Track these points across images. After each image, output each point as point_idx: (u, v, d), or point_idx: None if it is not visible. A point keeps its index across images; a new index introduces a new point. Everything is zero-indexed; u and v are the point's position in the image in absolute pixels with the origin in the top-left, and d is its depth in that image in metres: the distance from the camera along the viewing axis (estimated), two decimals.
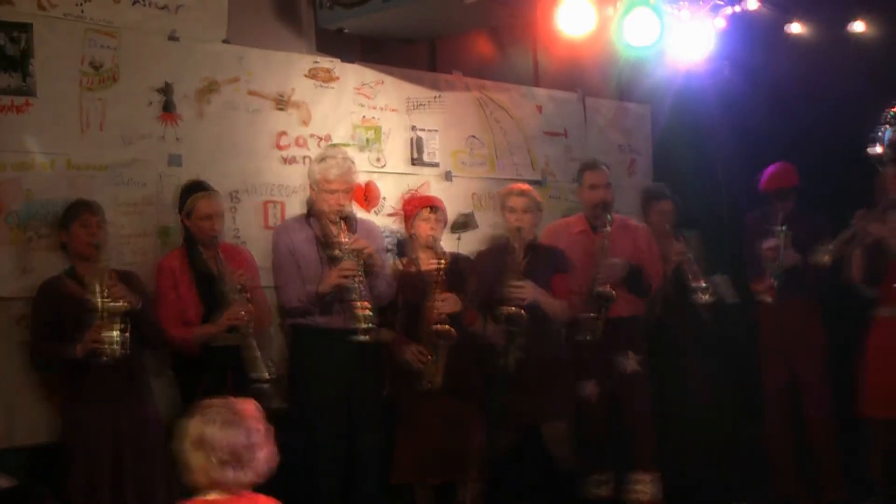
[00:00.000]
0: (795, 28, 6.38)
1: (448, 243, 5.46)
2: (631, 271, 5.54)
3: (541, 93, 6.68)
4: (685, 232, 6.07)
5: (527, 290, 5.18)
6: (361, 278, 4.82)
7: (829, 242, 5.46)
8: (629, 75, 6.78)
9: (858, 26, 6.62)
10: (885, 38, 6.62)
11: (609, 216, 5.54)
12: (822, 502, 5.81)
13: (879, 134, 6.24)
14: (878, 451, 5.45)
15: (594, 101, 6.93)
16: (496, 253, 5.55)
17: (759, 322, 6.00)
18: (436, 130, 6.05)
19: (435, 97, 6.06)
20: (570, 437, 5.47)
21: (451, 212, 5.74)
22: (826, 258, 5.43)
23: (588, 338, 5.41)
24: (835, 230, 5.57)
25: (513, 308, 5.12)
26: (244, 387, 4.29)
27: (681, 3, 5.80)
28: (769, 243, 5.75)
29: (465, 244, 5.80)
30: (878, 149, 6.19)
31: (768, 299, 5.75)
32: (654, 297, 5.81)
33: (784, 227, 5.74)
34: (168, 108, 4.97)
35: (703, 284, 5.66)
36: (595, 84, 6.93)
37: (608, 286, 5.42)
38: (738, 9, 6.00)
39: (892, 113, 6.30)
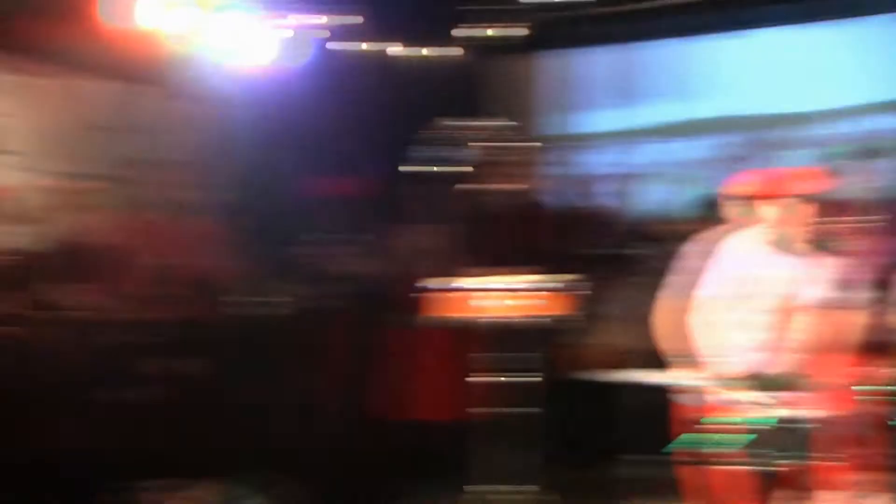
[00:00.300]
0: (361, 46, 6.66)
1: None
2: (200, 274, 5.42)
3: (108, 85, 6.38)
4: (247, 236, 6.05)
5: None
6: None
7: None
8: (200, 74, 6.67)
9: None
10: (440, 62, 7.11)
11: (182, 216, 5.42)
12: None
13: (449, 154, 6.64)
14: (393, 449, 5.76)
15: (160, 98, 6.65)
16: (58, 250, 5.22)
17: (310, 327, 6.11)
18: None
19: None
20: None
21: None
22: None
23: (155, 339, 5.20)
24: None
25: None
26: None
27: (255, 10, 5.86)
28: (332, 251, 5.91)
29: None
30: (450, 167, 6.57)
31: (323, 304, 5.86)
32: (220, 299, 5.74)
33: (350, 236, 5.92)
34: None
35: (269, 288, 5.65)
36: (163, 80, 6.59)
37: (180, 287, 5.30)
38: (306, 21, 6.17)
39: (465, 134, 6.74)
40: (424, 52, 7.11)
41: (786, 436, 3.65)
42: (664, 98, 7.30)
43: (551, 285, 4.71)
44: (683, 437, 3.70)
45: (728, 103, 7.13)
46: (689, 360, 4.06)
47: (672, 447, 3.70)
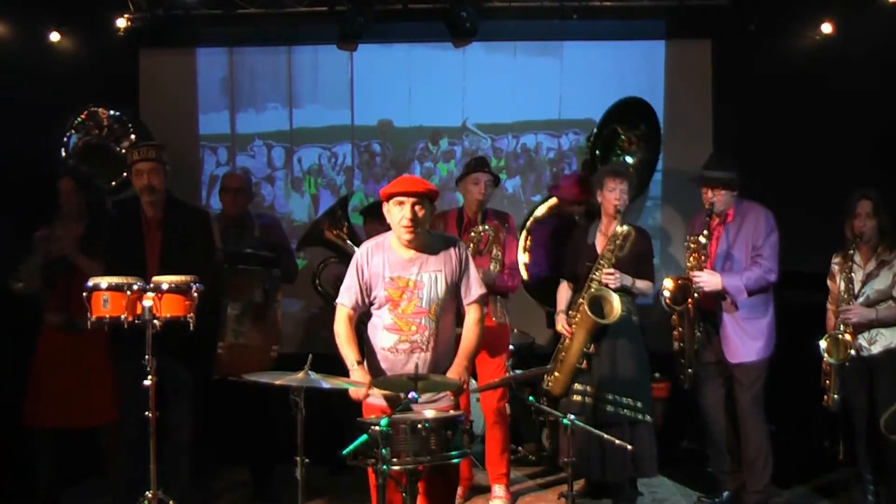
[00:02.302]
0: None
1: None
2: None
3: None
4: None
5: None
6: None
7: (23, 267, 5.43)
8: None
9: (55, 36, 6.70)
10: (80, 47, 6.78)
11: None
12: None
13: (65, 140, 6.35)
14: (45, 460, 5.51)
15: None
16: None
17: None
18: None
19: None
20: None
21: None
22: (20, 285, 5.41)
23: None
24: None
25: None
26: None
27: None
28: None
29: None
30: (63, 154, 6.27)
31: None
32: None
33: None
34: None
35: None
36: None
37: None
38: None
39: (79, 119, 6.47)
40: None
41: (421, 436, 3.74)
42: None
43: (183, 286, 4.65)
44: (358, 438, 3.72)
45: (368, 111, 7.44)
46: (356, 363, 4.21)
47: (346, 450, 3.72)
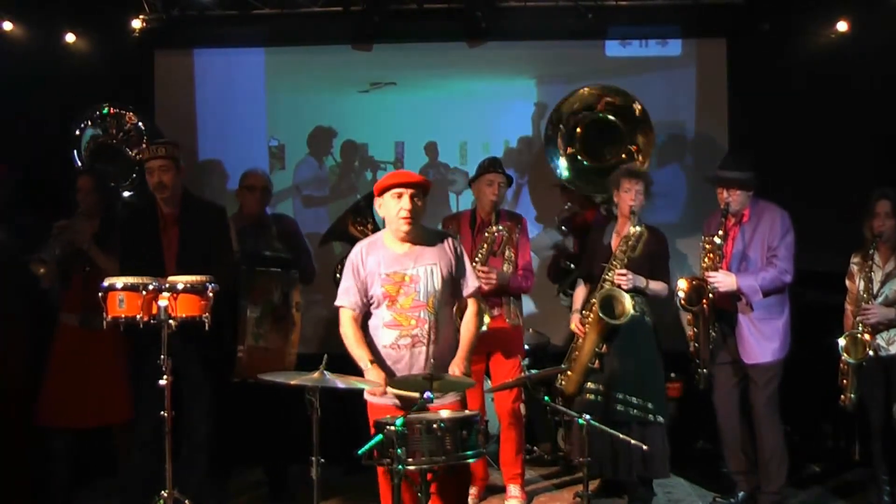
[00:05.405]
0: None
1: None
2: None
3: None
4: None
5: None
6: None
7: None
8: None
9: (70, 37, 6.72)
10: (95, 48, 6.80)
11: None
12: None
13: (77, 134, 6.35)
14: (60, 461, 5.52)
15: None
16: None
17: None
18: None
19: None
20: None
21: None
22: (42, 270, 5.39)
23: None
24: None
25: None
26: None
27: None
28: None
29: None
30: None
31: None
32: None
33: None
34: None
35: None
36: None
37: None
38: None
39: (104, 110, 6.46)
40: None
41: (436, 436, 3.72)
42: None
43: (199, 286, 4.65)
44: (372, 438, 3.73)
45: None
46: (370, 362, 4.17)
47: (362, 450, 3.71)
